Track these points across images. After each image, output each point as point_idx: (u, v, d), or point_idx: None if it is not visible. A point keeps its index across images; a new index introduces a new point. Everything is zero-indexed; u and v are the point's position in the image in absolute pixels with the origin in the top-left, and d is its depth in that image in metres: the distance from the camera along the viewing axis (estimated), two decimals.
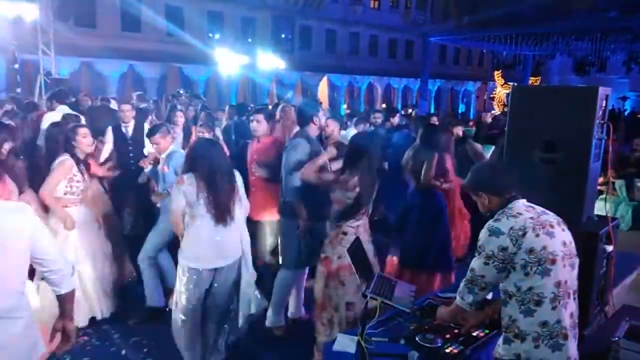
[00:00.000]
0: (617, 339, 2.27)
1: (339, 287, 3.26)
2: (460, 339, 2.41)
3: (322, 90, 26.93)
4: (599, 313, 3.35)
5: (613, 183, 6.95)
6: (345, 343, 2.38)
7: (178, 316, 3.24)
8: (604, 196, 4.16)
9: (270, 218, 4.43)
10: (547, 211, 2.15)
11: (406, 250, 4.17)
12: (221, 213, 3.10)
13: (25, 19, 10.28)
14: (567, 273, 2.05)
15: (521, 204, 2.12)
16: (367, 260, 2.85)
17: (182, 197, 3.10)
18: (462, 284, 2.18)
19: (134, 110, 5.34)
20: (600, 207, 3.88)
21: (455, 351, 2.30)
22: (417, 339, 2.37)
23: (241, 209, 3.32)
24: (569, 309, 2.05)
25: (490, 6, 16.46)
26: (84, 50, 16.38)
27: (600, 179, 3.99)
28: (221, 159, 3.21)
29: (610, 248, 3.28)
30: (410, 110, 18.12)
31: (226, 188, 3.14)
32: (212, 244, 3.15)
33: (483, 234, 2.08)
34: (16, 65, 11.47)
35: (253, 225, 4.22)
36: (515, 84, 12.62)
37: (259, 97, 21.80)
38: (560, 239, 2.05)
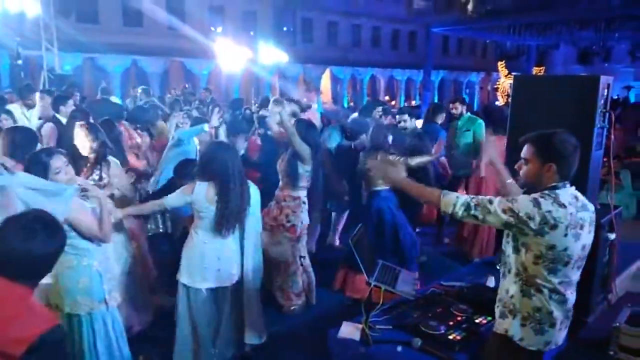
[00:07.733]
0: (618, 325, 2.29)
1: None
2: (463, 325, 2.45)
3: (325, 84, 26.85)
4: (602, 300, 3.37)
5: (617, 172, 6.92)
6: (350, 330, 2.42)
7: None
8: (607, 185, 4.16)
9: None
10: (588, 205, 2.07)
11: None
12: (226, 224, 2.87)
13: (27, 15, 10.29)
14: (573, 273, 2.05)
15: (569, 193, 2.02)
16: (370, 250, 2.88)
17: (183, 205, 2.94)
18: (476, 201, 2.02)
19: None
20: (604, 197, 3.88)
21: (458, 337, 2.33)
22: (420, 326, 2.41)
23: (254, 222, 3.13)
24: (569, 303, 2.06)
25: None
26: (86, 45, 16.39)
27: (604, 170, 3.99)
28: (237, 164, 2.95)
29: (612, 236, 3.29)
30: (414, 103, 17.97)
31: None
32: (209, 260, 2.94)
33: (524, 201, 1.96)
34: (20, 62, 11.47)
35: None
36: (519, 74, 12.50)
37: (262, 91, 21.76)
38: (582, 243, 2.02)
